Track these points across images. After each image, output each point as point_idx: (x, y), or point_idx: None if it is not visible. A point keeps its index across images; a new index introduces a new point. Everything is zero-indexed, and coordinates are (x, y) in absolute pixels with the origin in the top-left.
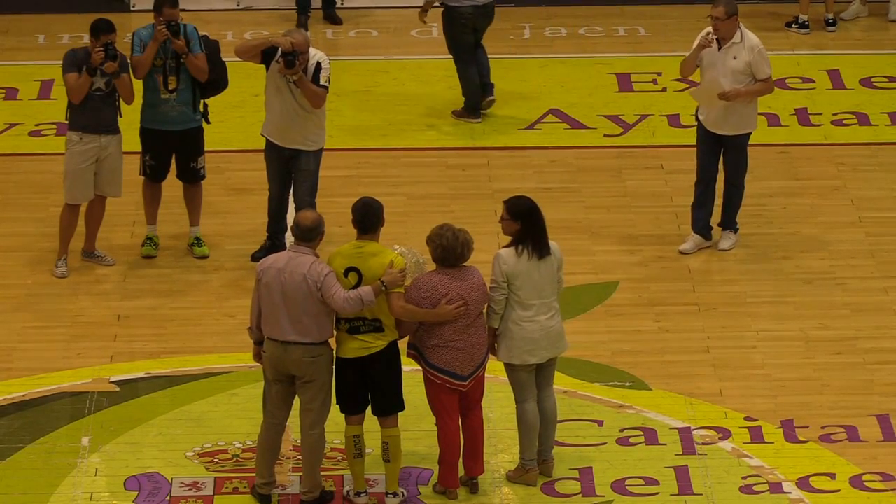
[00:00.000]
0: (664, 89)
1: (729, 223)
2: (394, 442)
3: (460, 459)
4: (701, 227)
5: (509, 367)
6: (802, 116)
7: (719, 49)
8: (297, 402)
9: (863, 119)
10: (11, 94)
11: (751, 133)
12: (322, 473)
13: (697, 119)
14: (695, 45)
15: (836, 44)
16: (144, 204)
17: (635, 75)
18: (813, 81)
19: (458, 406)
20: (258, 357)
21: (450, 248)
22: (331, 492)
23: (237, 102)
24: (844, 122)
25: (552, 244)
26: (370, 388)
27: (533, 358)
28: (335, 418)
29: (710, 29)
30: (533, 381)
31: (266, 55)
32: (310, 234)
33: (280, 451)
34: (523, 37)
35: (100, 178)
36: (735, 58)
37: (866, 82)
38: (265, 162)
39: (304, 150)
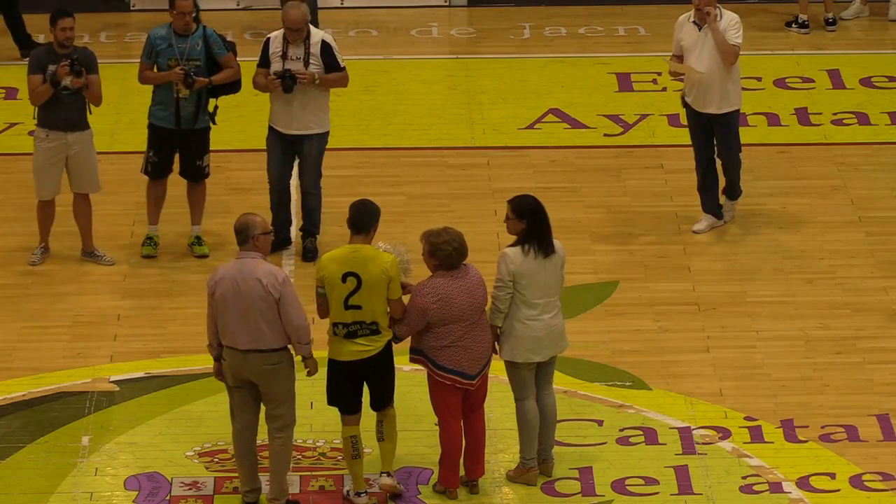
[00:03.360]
0: (664, 89)
1: (732, 192)
2: (388, 420)
3: (461, 460)
4: (711, 207)
5: (511, 365)
6: (802, 116)
7: (699, 30)
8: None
9: (863, 119)
10: (11, 94)
11: (737, 111)
12: (322, 473)
13: (685, 103)
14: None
15: (836, 44)
16: (147, 203)
17: (635, 75)
18: (813, 81)
19: (461, 407)
20: (219, 374)
21: (461, 248)
22: (296, 502)
23: (237, 102)
24: (844, 121)
25: (556, 243)
26: (369, 387)
27: (536, 356)
28: (335, 418)
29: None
30: (533, 379)
31: (264, 58)
32: (240, 237)
33: (256, 454)
34: (523, 37)
35: (74, 175)
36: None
37: (866, 82)
38: (266, 149)
39: (308, 135)
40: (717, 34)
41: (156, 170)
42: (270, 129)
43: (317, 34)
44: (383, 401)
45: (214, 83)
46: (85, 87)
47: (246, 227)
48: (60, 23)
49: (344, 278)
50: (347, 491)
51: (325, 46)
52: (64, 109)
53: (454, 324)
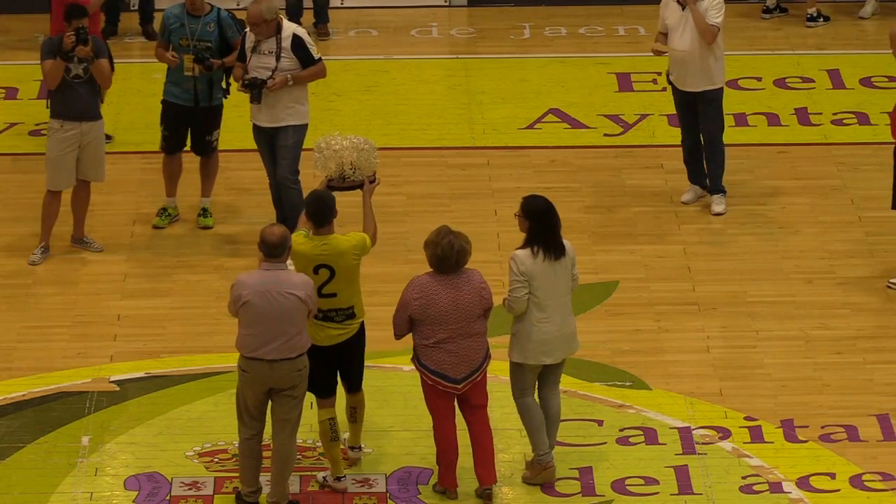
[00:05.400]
0: (664, 89)
1: (716, 187)
2: (361, 406)
3: (457, 461)
4: (697, 178)
5: (517, 367)
6: (802, 116)
7: (682, 9)
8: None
9: (863, 119)
10: (11, 93)
11: (721, 89)
12: (322, 473)
13: (669, 81)
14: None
15: (836, 44)
16: (163, 177)
17: (635, 75)
18: (813, 81)
19: (453, 408)
20: None
21: (444, 258)
22: (296, 502)
23: (237, 102)
24: (844, 121)
25: (566, 243)
26: (343, 368)
27: (548, 359)
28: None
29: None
30: (535, 380)
31: (241, 52)
32: (277, 251)
33: (262, 457)
34: (523, 37)
35: (82, 163)
36: None
37: (866, 82)
38: (257, 148)
39: (284, 126)
40: (697, 14)
41: (168, 145)
42: (253, 125)
43: (288, 28)
44: (358, 383)
45: (227, 65)
46: (91, 59)
47: (286, 240)
48: (75, 22)
49: (316, 270)
50: (325, 477)
51: (297, 40)
52: (77, 99)
53: (436, 325)
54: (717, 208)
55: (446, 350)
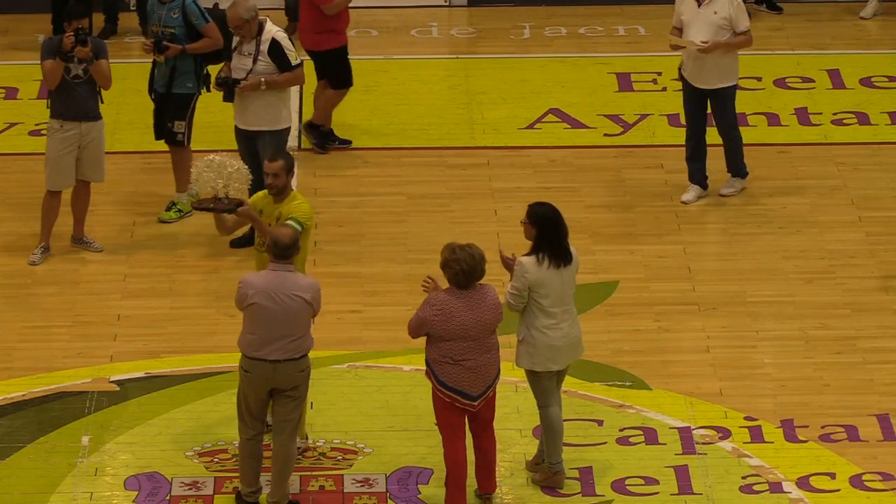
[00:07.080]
0: (664, 89)
1: (736, 169)
2: None
3: (467, 479)
4: (699, 177)
5: (532, 375)
6: (802, 116)
7: (699, 6)
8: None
9: (863, 119)
10: (11, 93)
11: (735, 85)
12: (322, 473)
13: (681, 75)
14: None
15: (836, 44)
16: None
17: (635, 75)
18: (813, 81)
19: (464, 425)
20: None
21: (471, 271)
22: (296, 502)
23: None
24: (844, 121)
25: (572, 250)
26: None
27: (555, 365)
28: (335, 419)
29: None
30: (555, 385)
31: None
32: (288, 252)
33: (262, 457)
34: (523, 37)
35: (82, 163)
36: (716, 12)
37: (866, 82)
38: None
39: (261, 131)
40: (729, 43)
41: (153, 131)
42: (235, 126)
43: (269, 31)
44: None
45: (189, 51)
46: (91, 60)
47: (296, 241)
48: (75, 22)
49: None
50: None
51: (274, 44)
52: (77, 99)
53: (456, 341)
54: (727, 190)
55: (465, 368)
